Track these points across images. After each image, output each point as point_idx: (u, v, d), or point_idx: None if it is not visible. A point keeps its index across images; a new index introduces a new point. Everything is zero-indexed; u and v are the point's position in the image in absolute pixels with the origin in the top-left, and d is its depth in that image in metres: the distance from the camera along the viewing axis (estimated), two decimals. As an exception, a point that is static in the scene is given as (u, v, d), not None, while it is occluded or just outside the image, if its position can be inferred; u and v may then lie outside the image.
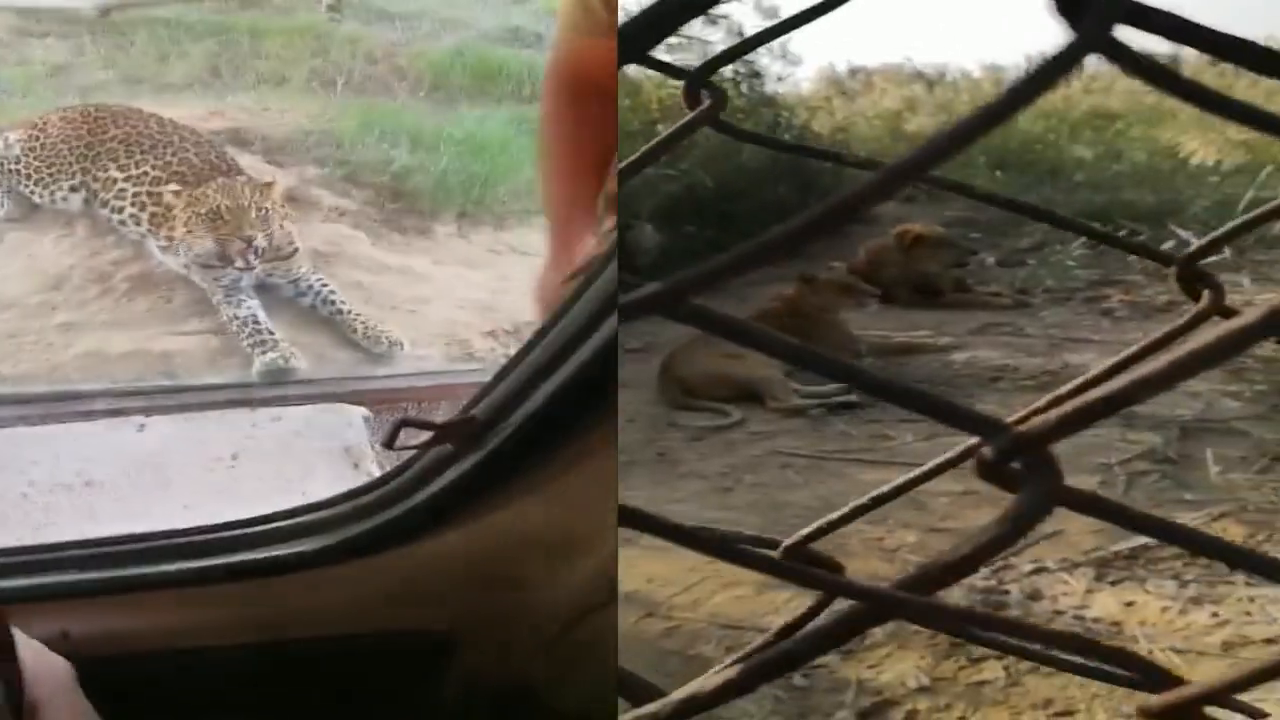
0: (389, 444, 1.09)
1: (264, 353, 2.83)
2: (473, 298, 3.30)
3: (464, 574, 1.10)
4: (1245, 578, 2.13)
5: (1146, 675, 0.39)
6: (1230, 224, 0.51)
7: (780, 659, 0.31)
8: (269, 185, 3.07)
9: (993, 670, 1.90)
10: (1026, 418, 0.35)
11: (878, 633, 1.99)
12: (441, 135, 3.92)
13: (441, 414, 2.84)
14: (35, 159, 3.29)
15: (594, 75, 1.34)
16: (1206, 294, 0.48)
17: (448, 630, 1.13)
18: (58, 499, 2.46)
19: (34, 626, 1.03)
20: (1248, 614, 2.03)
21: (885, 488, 0.37)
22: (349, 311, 3.02)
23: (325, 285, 3.08)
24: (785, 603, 2.08)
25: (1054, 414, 0.32)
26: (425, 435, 1.09)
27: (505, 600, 1.10)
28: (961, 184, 0.62)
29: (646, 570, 2.50)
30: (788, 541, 0.37)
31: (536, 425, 1.00)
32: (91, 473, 2.50)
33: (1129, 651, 0.40)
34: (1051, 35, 0.32)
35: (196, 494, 2.47)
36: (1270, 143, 5.25)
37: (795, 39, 5.57)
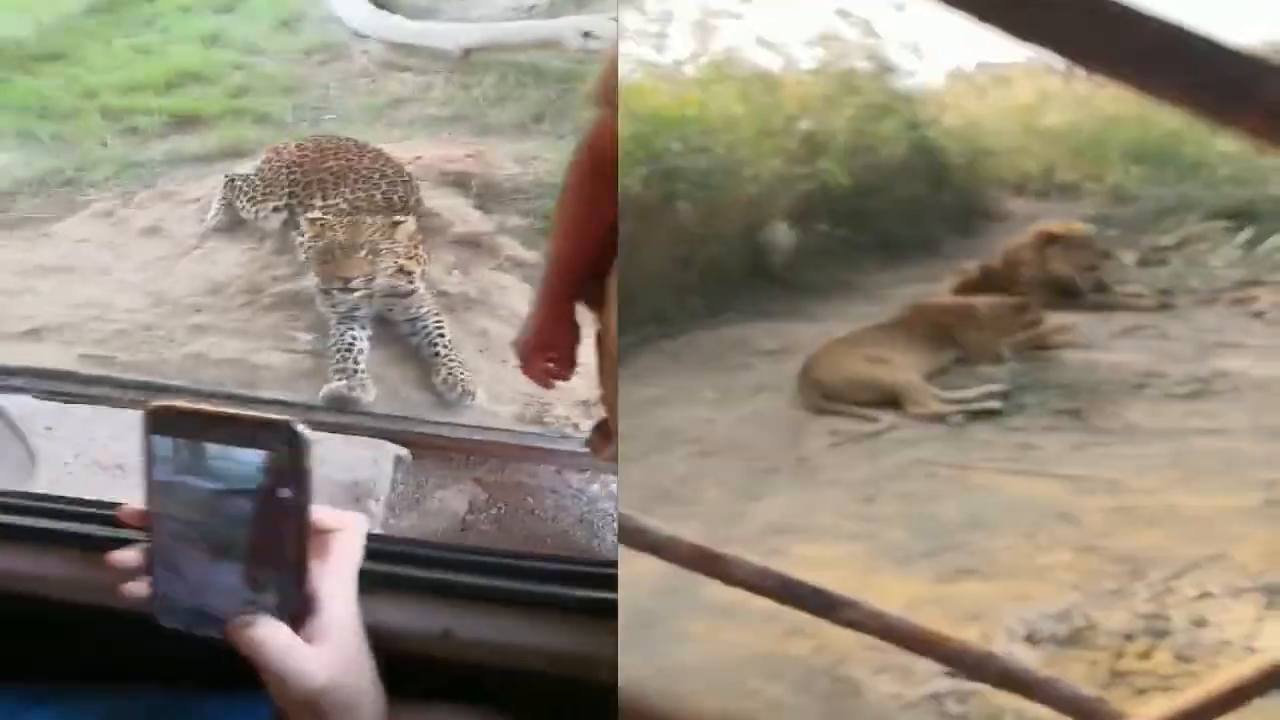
0: None
1: (339, 380, 2.92)
2: (593, 363, 3.18)
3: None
4: None
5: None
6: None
7: None
8: (394, 225, 3.18)
9: (1159, 706, 1.63)
10: None
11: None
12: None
13: (486, 471, 2.76)
14: (258, 178, 3.71)
15: (611, 151, 1.47)
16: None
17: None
18: (93, 475, 2.70)
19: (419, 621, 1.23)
20: None
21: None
22: (443, 355, 3.06)
23: (439, 327, 3.14)
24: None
25: None
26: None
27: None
28: None
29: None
30: None
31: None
32: (126, 458, 2.72)
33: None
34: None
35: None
36: None
37: (926, 33, 5.29)
